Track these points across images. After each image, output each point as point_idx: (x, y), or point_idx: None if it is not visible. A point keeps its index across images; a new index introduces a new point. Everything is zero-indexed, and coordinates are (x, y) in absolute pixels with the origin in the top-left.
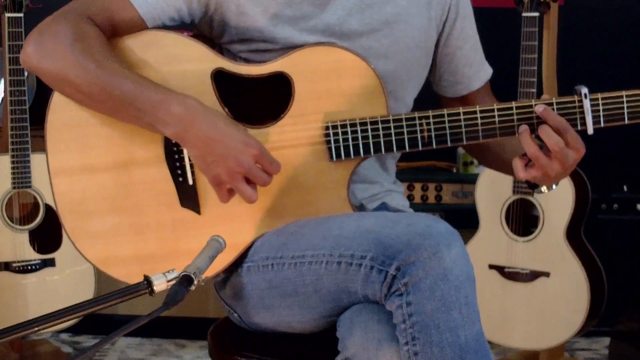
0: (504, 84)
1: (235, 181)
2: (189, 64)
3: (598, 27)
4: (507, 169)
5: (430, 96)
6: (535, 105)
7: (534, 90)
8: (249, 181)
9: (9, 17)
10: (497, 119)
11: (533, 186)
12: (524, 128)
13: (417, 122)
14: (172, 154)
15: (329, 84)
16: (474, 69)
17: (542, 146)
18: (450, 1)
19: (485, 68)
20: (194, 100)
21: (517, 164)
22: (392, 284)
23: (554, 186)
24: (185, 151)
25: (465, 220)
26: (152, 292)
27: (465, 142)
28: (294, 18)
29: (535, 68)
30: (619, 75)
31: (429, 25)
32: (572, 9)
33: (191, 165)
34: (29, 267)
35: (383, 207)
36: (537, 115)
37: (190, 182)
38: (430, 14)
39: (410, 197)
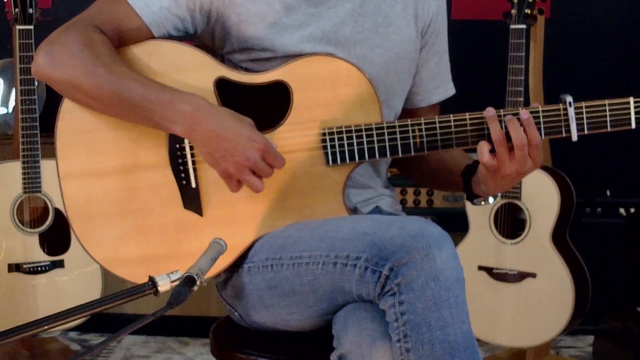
0: (492, 93)
1: (243, 174)
2: (192, 72)
3: (582, 39)
4: (446, 179)
5: None
6: (521, 110)
7: (522, 99)
8: (255, 174)
9: (19, 29)
10: (485, 126)
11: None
12: (492, 111)
13: (410, 128)
14: (176, 158)
15: (325, 92)
16: (435, 84)
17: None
18: (431, 17)
19: (449, 87)
20: (200, 99)
21: (483, 146)
22: (385, 284)
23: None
24: (188, 155)
25: (455, 224)
26: (156, 292)
27: (455, 147)
28: (292, 26)
29: (523, 78)
30: (602, 85)
31: (416, 37)
32: (558, 22)
33: (194, 169)
34: (39, 269)
35: (377, 210)
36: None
37: (194, 185)
38: (417, 26)
39: (403, 202)
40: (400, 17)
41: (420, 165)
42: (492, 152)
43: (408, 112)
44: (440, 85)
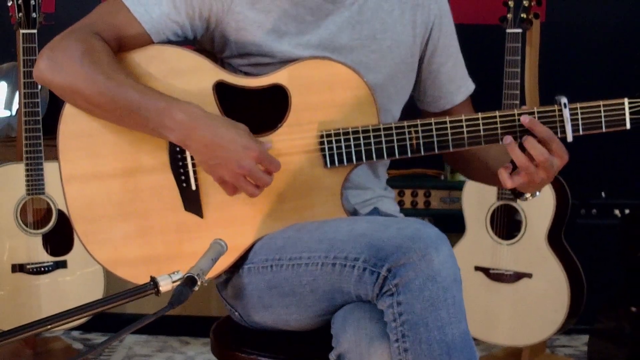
0: (489, 96)
1: (238, 181)
2: (192, 76)
3: (577, 42)
4: (492, 178)
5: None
6: (520, 115)
7: (517, 101)
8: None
9: (23, 34)
10: (481, 127)
11: (518, 194)
12: (509, 139)
13: (406, 130)
14: (177, 161)
15: (323, 95)
16: (456, 84)
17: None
18: (433, 20)
19: (468, 83)
20: (196, 107)
21: (503, 174)
22: (383, 284)
23: (537, 193)
24: (188, 158)
25: (452, 225)
26: (158, 292)
27: (451, 149)
28: (290, 33)
29: (519, 81)
30: (596, 87)
31: (413, 42)
32: (553, 26)
33: (194, 172)
34: (42, 269)
35: (375, 212)
36: (521, 125)
37: (194, 187)
38: (415, 32)
39: (400, 203)
40: (398, 23)
41: (464, 162)
42: (514, 172)
43: (437, 114)
44: (461, 85)
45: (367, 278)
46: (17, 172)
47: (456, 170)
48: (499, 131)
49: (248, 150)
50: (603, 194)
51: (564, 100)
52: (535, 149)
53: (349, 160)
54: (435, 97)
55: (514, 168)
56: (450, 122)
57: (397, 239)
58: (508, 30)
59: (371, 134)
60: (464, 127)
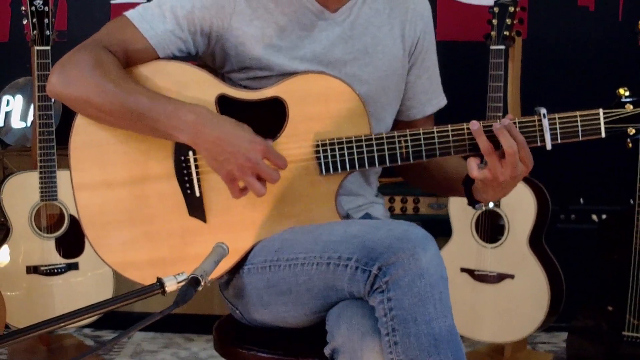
0: (474, 108)
1: (246, 175)
2: (195, 89)
3: (555, 58)
4: (448, 186)
5: None
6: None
7: (500, 113)
8: (259, 178)
9: (37, 50)
10: (466, 136)
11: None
12: (477, 125)
13: (397, 140)
14: (181, 169)
15: (319, 107)
16: (428, 97)
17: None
18: (419, 36)
19: (440, 98)
20: (202, 108)
21: (472, 163)
22: (374, 282)
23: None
24: (192, 166)
25: (439, 229)
26: (164, 292)
27: (438, 156)
28: (286, 48)
29: (502, 94)
30: (573, 98)
31: (403, 55)
32: (534, 43)
33: (198, 179)
34: (55, 270)
35: (367, 217)
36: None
37: (197, 194)
38: (404, 45)
39: (391, 209)
40: (388, 38)
41: (423, 173)
42: (480, 166)
43: (405, 124)
44: (432, 97)
45: (359, 276)
46: (31, 179)
47: (412, 184)
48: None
49: (254, 144)
50: (581, 200)
51: (543, 111)
52: (507, 140)
53: (343, 168)
54: (408, 106)
55: (481, 161)
56: (438, 131)
57: (387, 240)
58: (492, 47)
59: (364, 143)
60: (450, 136)
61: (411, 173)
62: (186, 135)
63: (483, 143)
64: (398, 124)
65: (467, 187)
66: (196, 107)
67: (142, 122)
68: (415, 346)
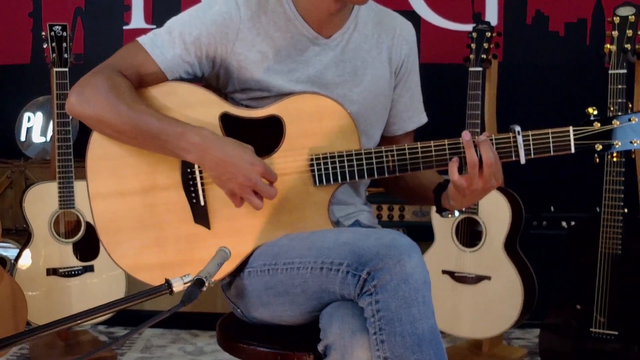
0: (453, 125)
1: (246, 193)
2: (201, 108)
3: (529, 79)
4: (423, 194)
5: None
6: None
7: (478, 129)
8: (256, 193)
9: (56, 71)
10: (447, 151)
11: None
12: (469, 136)
13: (384, 154)
14: (188, 180)
15: (313, 124)
16: (409, 114)
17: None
18: (404, 59)
19: (421, 116)
20: (208, 131)
21: (453, 167)
22: (363, 285)
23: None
24: (198, 178)
25: (423, 234)
26: (171, 292)
27: (422, 169)
28: (283, 71)
29: (479, 112)
30: (546, 117)
31: (389, 77)
32: (509, 65)
33: (203, 190)
34: (73, 272)
35: (357, 223)
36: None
37: (202, 203)
38: (390, 68)
39: (378, 216)
40: (376, 61)
41: (400, 184)
42: (460, 172)
43: (387, 139)
44: (413, 115)
45: (349, 280)
46: (51, 189)
47: (391, 193)
48: (462, 155)
49: (254, 165)
50: (552, 208)
51: (517, 128)
52: (489, 152)
53: (335, 179)
54: (390, 123)
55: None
56: (422, 146)
57: (376, 247)
58: (470, 69)
59: (354, 157)
60: (433, 151)
61: (391, 184)
62: (193, 156)
63: (471, 155)
64: (381, 139)
65: (436, 196)
66: (202, 130)
67: (152, 142)
68: (400, 344)
